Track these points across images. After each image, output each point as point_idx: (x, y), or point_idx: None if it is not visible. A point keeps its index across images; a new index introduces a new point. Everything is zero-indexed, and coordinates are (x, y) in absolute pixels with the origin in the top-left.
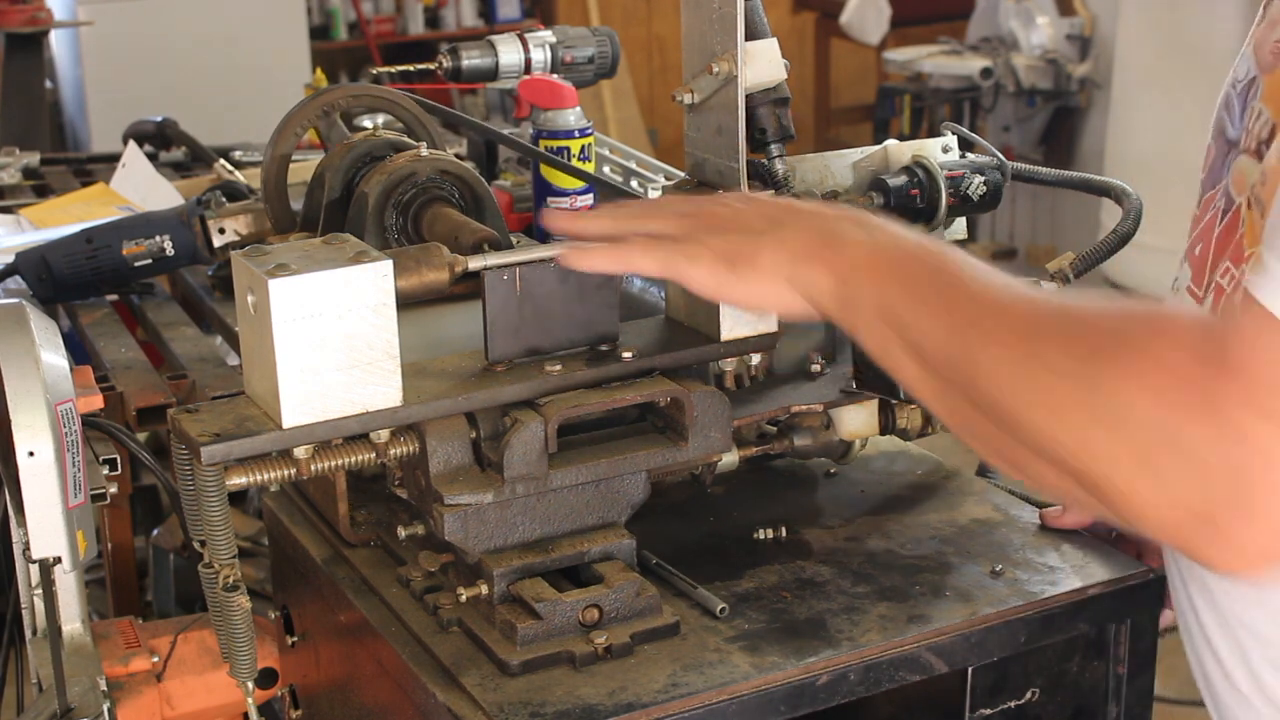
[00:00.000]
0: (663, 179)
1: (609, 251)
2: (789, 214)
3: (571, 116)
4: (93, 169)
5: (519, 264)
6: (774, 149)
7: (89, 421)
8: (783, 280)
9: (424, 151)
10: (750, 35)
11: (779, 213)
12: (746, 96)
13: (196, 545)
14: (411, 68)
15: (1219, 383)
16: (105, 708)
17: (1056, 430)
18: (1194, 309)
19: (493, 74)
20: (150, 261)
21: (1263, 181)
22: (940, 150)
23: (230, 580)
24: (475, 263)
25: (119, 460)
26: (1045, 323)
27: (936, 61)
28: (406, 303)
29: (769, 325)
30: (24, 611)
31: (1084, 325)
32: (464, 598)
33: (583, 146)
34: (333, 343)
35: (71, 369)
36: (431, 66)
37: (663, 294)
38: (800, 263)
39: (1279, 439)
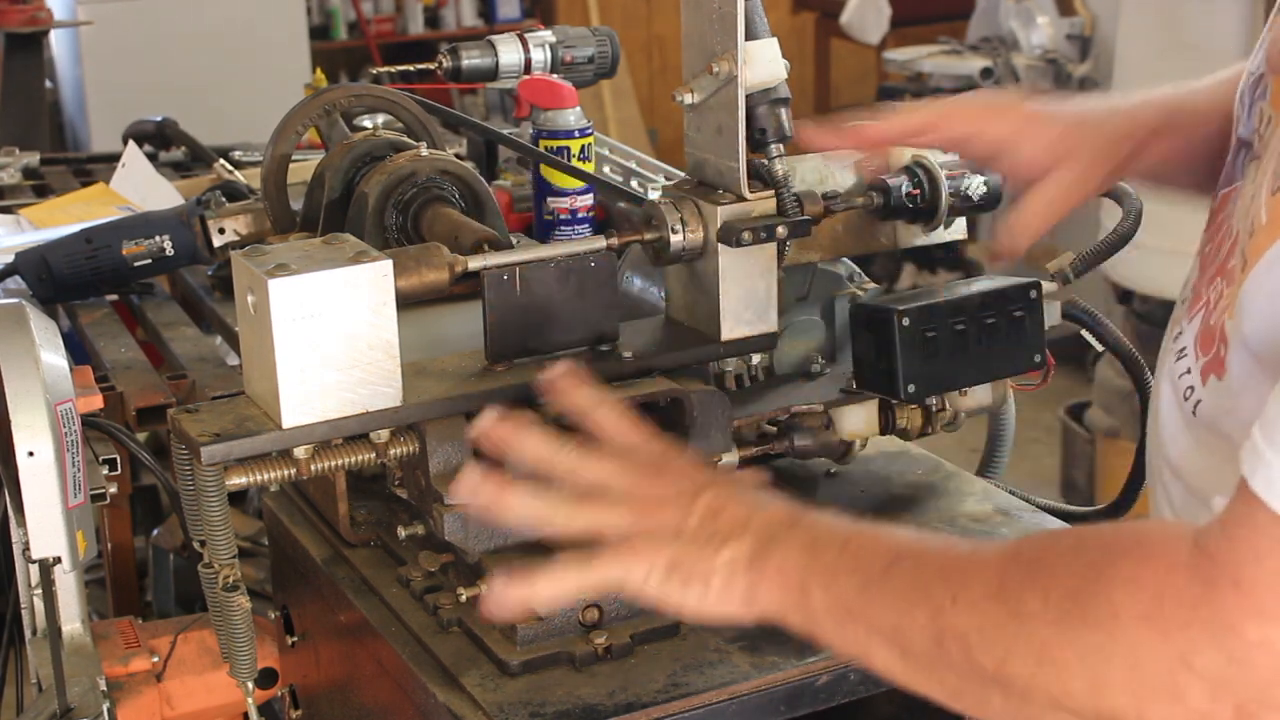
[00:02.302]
0: (663, 179)
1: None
2: (725, 514)
3: (571, 116)
4: (93, 169)
5: (519, 264)
6: (774, 149)
7: (89, 421)
8: (734, 599)
9: (424, 151)
10: (750, 35)
11: (716, 509)
12: (746, 96)
13: (196, 545)
14: (411, 68)
15: (1220, 596)
16: (105, 708)
17: (1064, 682)
18: (1174, 525)
19: (493, 74)
20: (150, 261)
21: (1250, 233)
22: (940, 150)
23: (230, 580)
24: (475, 263)
25: (119, 460)
26: (1013, 574)
27: (936, 61)
28: (406, 303)
29: (769, 325)
30: (24, 611)
31: (1056, 566)
32: (464, 598)
33: (583, 146)
34: (333, 343)
35: (71, 369)
36: (431, 66)
37: (663, 294)
38: (749, 580)
39: None
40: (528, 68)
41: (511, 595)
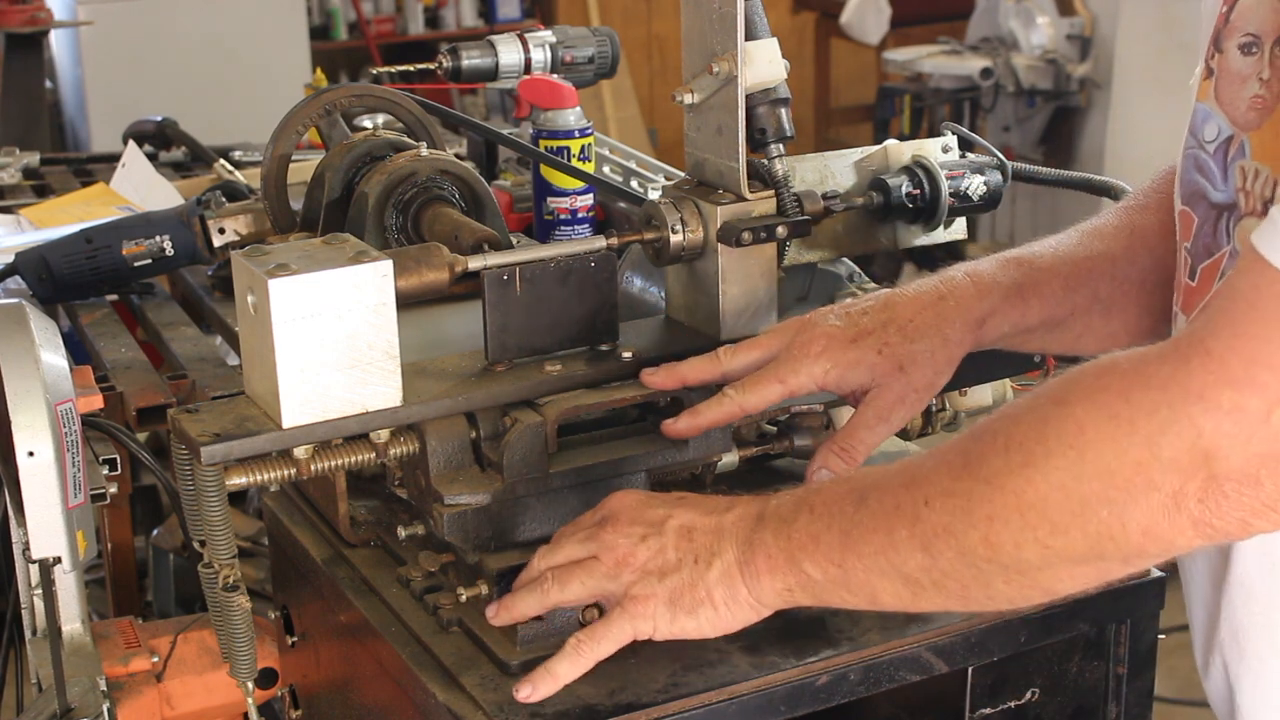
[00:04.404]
0: (663, 179)
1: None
2: (698, 532)
3: (571, 116)
4: (93, 169)
5: (519, 264)
6: (774, 149)
7: (89, 421)
8: (742, 605)
9: (424, 151)
10: (750, 35)
11: (687, 532)
12: (746, 96)
13: (196, 545)
14: (411, 68)
15: (1190, 370)
16: (105, 708)
17: (1050, 521)
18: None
19: (493, 74)
20: (150, 261)
21: None
22: (940, 150)
23: (230, 580)
24: (475, 263)
25: (119, 460)
26: (972, 448)
27: (936, 61)
28: (406, 303)
29: (769, 325)
30: (24, 611)
31: (1011, 421)
32: (464, 598)
33: (583, 146)
34: (333, 343)
35: (71, 369)
36: (431, 66)
37: (662, 294)
38: (746, 583)
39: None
40: (528, 68)
41: (541, 691)
